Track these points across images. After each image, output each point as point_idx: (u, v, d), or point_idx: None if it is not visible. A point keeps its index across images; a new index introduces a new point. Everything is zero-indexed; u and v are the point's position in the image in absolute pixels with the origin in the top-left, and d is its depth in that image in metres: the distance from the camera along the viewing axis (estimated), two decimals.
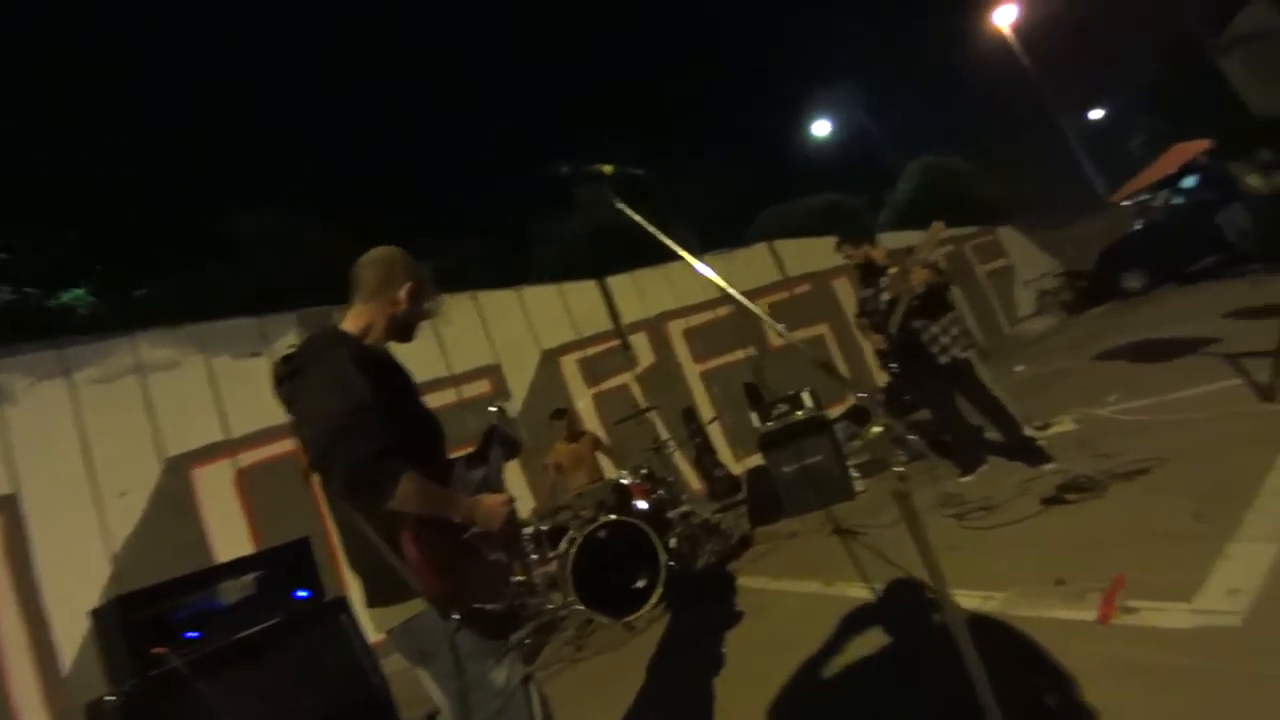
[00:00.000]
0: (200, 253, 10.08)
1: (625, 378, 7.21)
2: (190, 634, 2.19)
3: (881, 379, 7.43)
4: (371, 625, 1.58)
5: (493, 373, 6.50)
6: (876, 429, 1.01)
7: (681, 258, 1.10)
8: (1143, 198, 10.78)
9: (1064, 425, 4.04)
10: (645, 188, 1.13)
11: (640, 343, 7.46)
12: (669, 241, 1.03)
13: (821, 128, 18.91)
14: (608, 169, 1.14)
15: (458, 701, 1.42)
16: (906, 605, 2.59)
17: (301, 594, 2.49)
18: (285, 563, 2.55)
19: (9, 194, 9.87)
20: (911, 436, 3.60)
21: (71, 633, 4.28)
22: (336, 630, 2.47)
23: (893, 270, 3.81)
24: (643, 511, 4.10)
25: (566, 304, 7.25)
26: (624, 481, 4.35)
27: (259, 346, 5.50)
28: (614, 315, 7.44)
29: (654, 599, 3.72)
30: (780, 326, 1.08)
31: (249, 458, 5.17)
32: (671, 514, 4.35)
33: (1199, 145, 10.35)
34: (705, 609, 3.60)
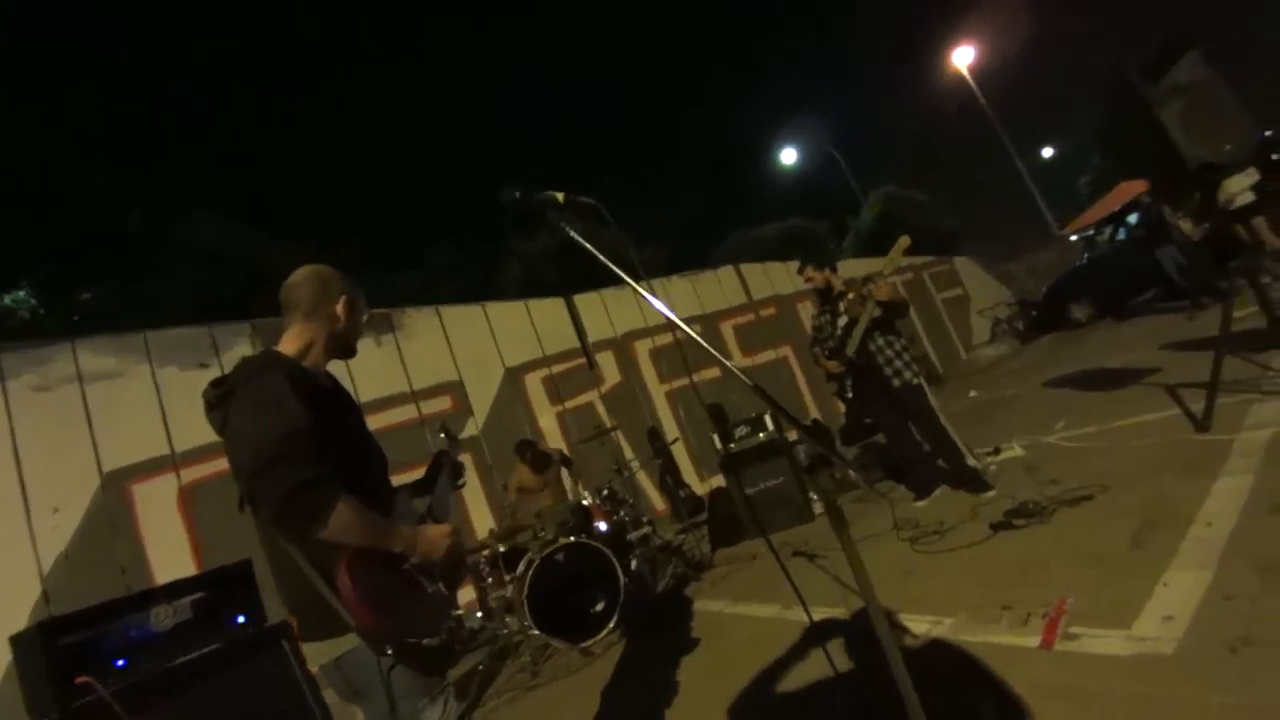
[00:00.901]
0: (145, 258, 9.74)
1: (590, 396, 7.18)
2: (119, 662, 2.07)
3: (839, 407, 7.57)
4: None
5: (455, 389, 6.40)
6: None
7: (634, 284, 1.10)
8: (1089, 232, 11.33)
9: (1013, 450, 4.18)
10: (601, 215, 1.14)
11: (606, 361, 7.46)
12: (620, 272, 1.03)
13: (788, 156, 19.45)
14: (559, 196, 1.14)
15: None
16: (860, 630, 2.61)
17: (239, 620, 2.38)
18: (225, 586, 2.43)
19: None
20: (853, 474, 3.70)
21: None
22: (277, 658, 2.36)
23: (850, 295, 3.92)
24: (603, 533, 4.06)
25: (532, 321, 7.21)
26: (585, 503, 4.31)
27: (208, 357, 5.31)
28: (580, 333, 7.42)
29: (612, 623, 3.67)
30: (730, 363, 1.09)
31: (193, 474, 4.96)
32: (632, 536, 4.32)
33: (1141, 185, 10.96)
34: (664, 633, 3.57)
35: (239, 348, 5.38)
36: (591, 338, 7.45)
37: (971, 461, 3.78)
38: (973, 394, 7.51)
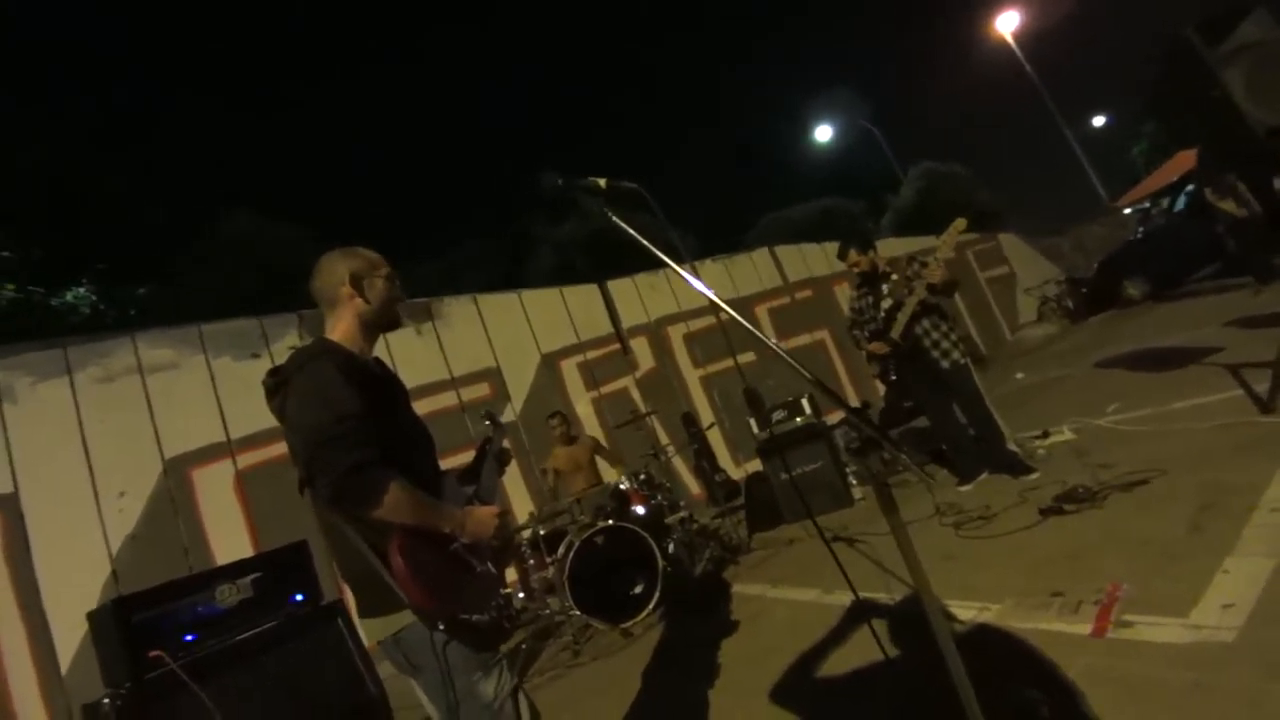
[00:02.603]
0: (184, 255, 10.11)
1: (625, 382, 7.22)
2: (187, 637, 2.19)
3: (878, 389, 7.43)
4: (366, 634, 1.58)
5: (493, 376, 6.50)
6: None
7: (678, 268, 1.10)
8: (1144, 205, 10.80)
9: (1062, 434, 4.04)
10: (642, 201, 1.14)
11: (640, 347, 7.47)
12: (662, 255, 1.03)
13: (824, 133, 18.98)
14: (601, 183, 1.14)
15: (447, 714, 1.42)
16: (904, 615, 2.59)
17: (298, 598, 2.49)
18: (283, 566, 2.55)
19: (10, 194, 9.92)
20: (905, 455, 3.67)
21: (70, 633, 4.29)
22: (333, 634, 2.48)
23: (894, 277, 3.83)
24: (641, 517, 4.10)
25: (567, 307, 7.26)
26: (622, 487, 4.35)
27: (259, 348, 5.51)
28: (614, 319, 7.45)
29: (651, 605, 3.72)
30: (773, 341, 1.08)
31: (249, 459, 5.18)
32: (670, 519, 4.35)
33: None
34: (702, 616, 3.60)
35: (288, 338, 5.57)
36: (626, 323, 7.47)
37: (1012, 446, 3.69)
38: (1019, 376, 7.28)
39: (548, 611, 4.14)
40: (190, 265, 10.15)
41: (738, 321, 1.02)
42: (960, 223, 3.62)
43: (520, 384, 6.64)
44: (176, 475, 4.96)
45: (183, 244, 10.44)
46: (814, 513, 4.52)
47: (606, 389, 7.07)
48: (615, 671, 3.25)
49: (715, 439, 7.20)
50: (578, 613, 3.70)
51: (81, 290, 10.19)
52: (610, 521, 3.84)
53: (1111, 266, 10.21)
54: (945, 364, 3.74)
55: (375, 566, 1.32)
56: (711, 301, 1.00)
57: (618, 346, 7.35)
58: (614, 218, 1.09)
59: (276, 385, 1.44)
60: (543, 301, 7.17)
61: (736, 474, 7.11)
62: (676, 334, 7.71)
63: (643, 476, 4.48)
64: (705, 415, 7.36)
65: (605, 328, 7.39)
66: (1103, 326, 9.09)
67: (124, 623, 2.12)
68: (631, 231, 1.04)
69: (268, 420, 5.14)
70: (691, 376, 7.60)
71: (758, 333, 1.04)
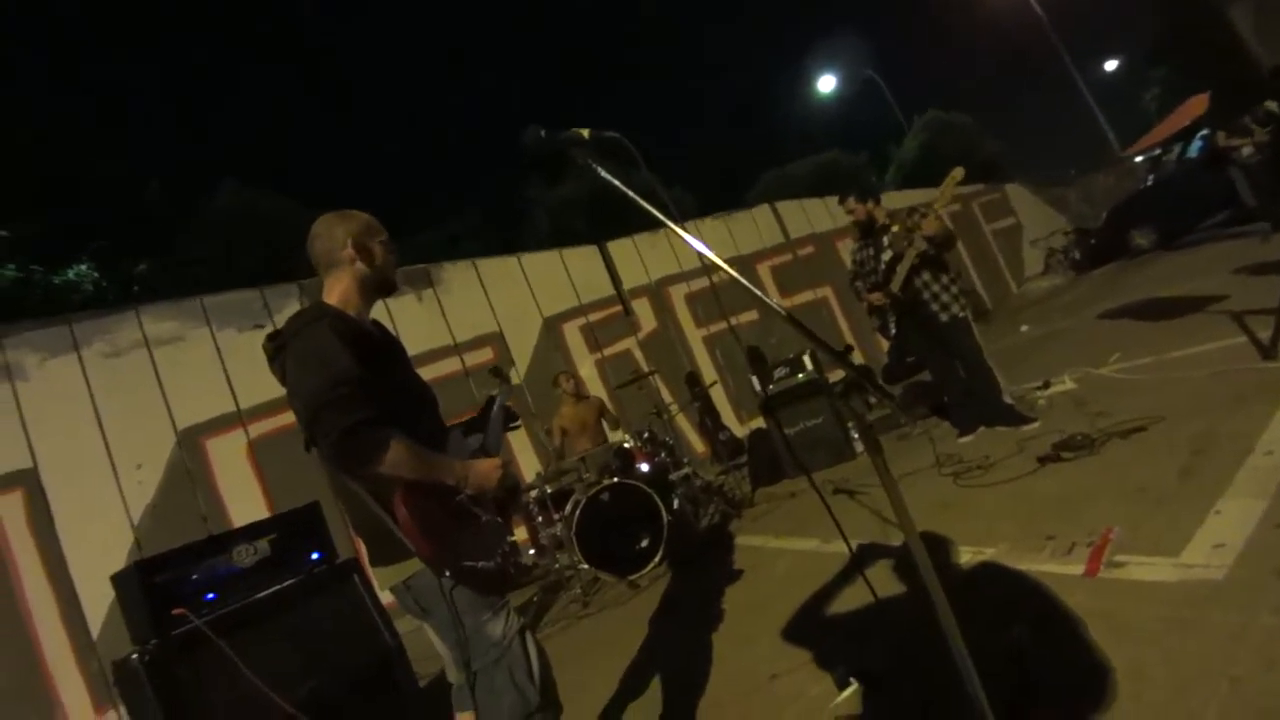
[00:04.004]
0: (191, 229, 10.05)
1: (627, 343, 7.24)
2: (208, 596, 2.28)
3: (882, 345, 7.43)
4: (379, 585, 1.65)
5: (495, 340, 6.53)
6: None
7: (670, 223, 1.10)
8: (1155, 152, 10.55)
9: (1063, 384, 4.06)
10: (628, 153, 1.13)
11: (642, 308, 7.46)
12: (650, 208, 1.03)
13: (826, 84, 18.42)
14: (584, 133, 1.13)
15: (457, 651, 1.49)
16: (901, 561, 2.66)
17: (314, 556, 2.58)
18: (298, 526, 2.63)
19: (4, 174, 9.83)
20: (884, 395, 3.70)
21: (98, 600, 4.45)
22: (350, 590, 2.57)
23: (895, 229, 3.80)
24: (645, 474, 4.17)
25: (567, 270, 7.23)
26: (627, 445, 4.41)
27: (262, 318, 5.54)
28: (615, 280, 7.42)
29: (657, 558, 3.82)
30: (772, 300, 1.09)
31: (260, 428, 5.27)
32: (673, 476, 4.42)
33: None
34: (707, 567, 3.70)
35: (289, 307, 5.58)
36: (626, 284, 7.45)
37: (1008, 398, 3.71)
38: (1024, 329, 7.26)
39: (557, 566, 4.26)
40: (187, 239, 10.10)
41: (735, 279, 1.03)
42: (957, 173, 3.56)
43: (523, 348, 6.67)
44: (190, 446, 5.06)
45: (179, 219, 10.37)
46: (818, 467, 4.59)
47: (609, 351, 7.10)
48: (623, 621, 3.37)
49: (719, 397, 7.26)
50: (586, 566, 3.81)
51: (83, 267, 10.17)
52: (615, 479, 3.91)
53: (1120, 216, 10.04)
54: (944, 317, 3.73)
55: (382, 518, 1.37)
56: (703, 257, 1.01)
57: (619, 308, 7.34)
58: (600, 170, 1.08)
59: (276, 349, 1.47)
60: (542, 264, 7.14)
61: (740, 431, 7.19)
62: (678, 294, 7.69)
63: (646, 435, 4.54)
64: (708, 374, 7.39)
65: (606, 289, 7.37)
66: (1110, 277, 9.00)
67: (147, 583, 2.19)
68: (618, 184, 1.04)
69: (276, 390, 5.24)
70: (694, 336, 7.61)
71: (750, 286, 1.05)
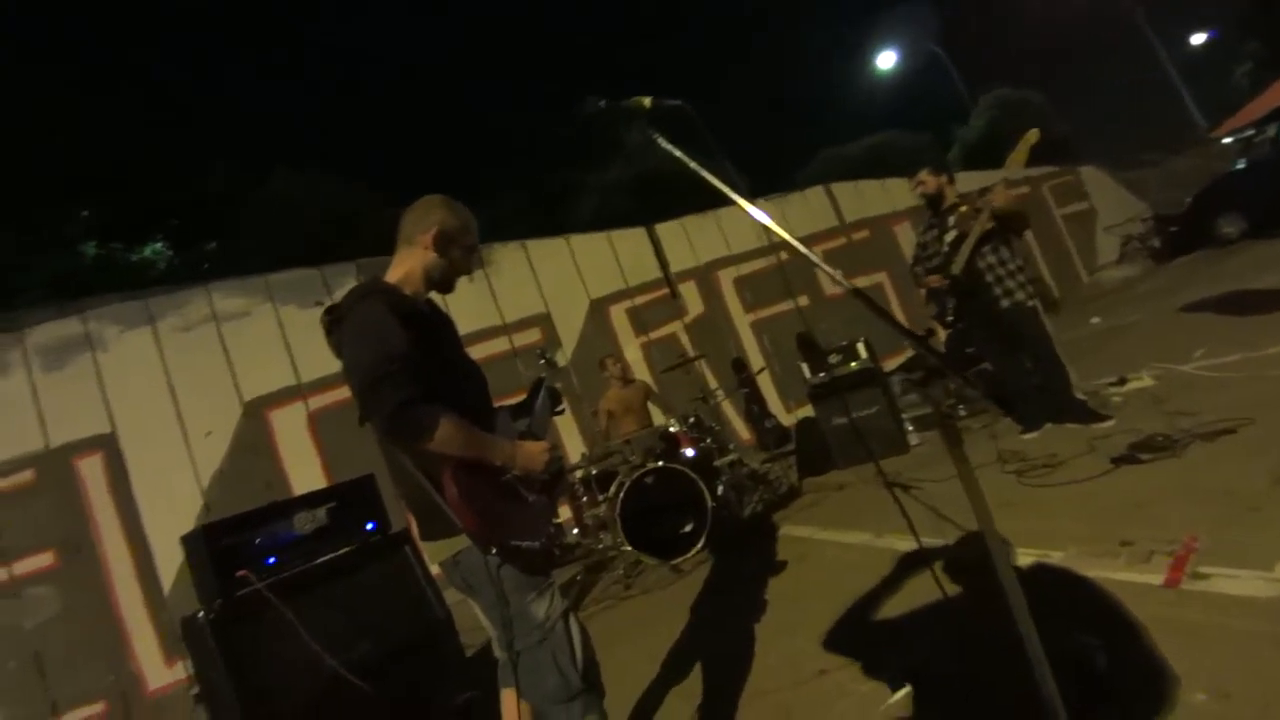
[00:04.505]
0: (252, 209, 10.43)
1: (674, 327, 7.18)
2: (270, 559, 2.37)
3: (940, 336, 7.14)
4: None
5: (543, 321, 6.58)
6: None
7: (732, 201, 1.04)
8: (1247, 133, 9.72)
9: (1141, 381, 3.81)
10: (689, 123, 1.07)
11: (689, 291, 7.38)
12: (716, 182, 0.98)
13: (886, 60, 17.61)
14: (645, 102, 1.07)
15: (501, 630, 1.51)
16: (960, 560, 2.55)
17: (369, 526, 2.66)
18: (354, 497, 2.71)
19: (82, 154, 10.42)
20: (970, 389, 3.50)
21: (170, 558, 4.74)
22: (401, 561, 2.64)
23: (963, 209, 3.60)
24: (690, 459, 4.14)
25: (615, 252, 7.20)
26: (671, 429, 4.38)
27: (322, 296, 5.72)
28: (662, 263, 7.35)
29: (700, 544, 3.79)
30: (838, 274, 1.02)
31: (319, 401, 5.48)
32: (718, 462, 4.38)
33: None
34: (750, 555, 3.66)
35: (347, 285, 5.73)
36: (674, 267, 7.37)
37: (1080, 394, 3.50)
38: (1095, 320, 6.86)
39: (600, 546, 4.29)
40: (250, 220, 10.52)
41: (794, 262, 0.97)
42: (1031, 135, 3.31)
43: (570, 329, 6.69)
44: (255, 416, 5.30)
45: (241, 199, 10.80)
46: (867, 458, 4.46)
47: (655, 334, 7.06)
48: (664, 605, 3.37)
49: (765, 384, 7.14)
50: (629, 548, 3.82)
51: (157, 246, 10.73)
52: (660, 463, 3.89)
53: (1205, 202, 9.31)
54: (1006, 303, 3.52)
55: (431, 493, 1.38)
56: (776, 236, 0.95)
57: (666, 291, 7.28)
58: (663, 141, 1.03)
59: (333, 324, 1.49)
60: (591, 247, 7.13)
61: (786, 420, 7.06)
62: (726, 278, 7.56)
63: (692, 420, 4.50)
64: (755, 360, 7.27)
65: (653, 272, 7.31)
66: (1192, 268, 8.39)
67: (213, 546, 2.30)
68: (680, 154, 0.99)
69: (334, 365, 5.40)
70: (741, 321, 7.48)
71: (816, 260, 0.99)
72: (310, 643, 2.19)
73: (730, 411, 6.91)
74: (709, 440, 4.44)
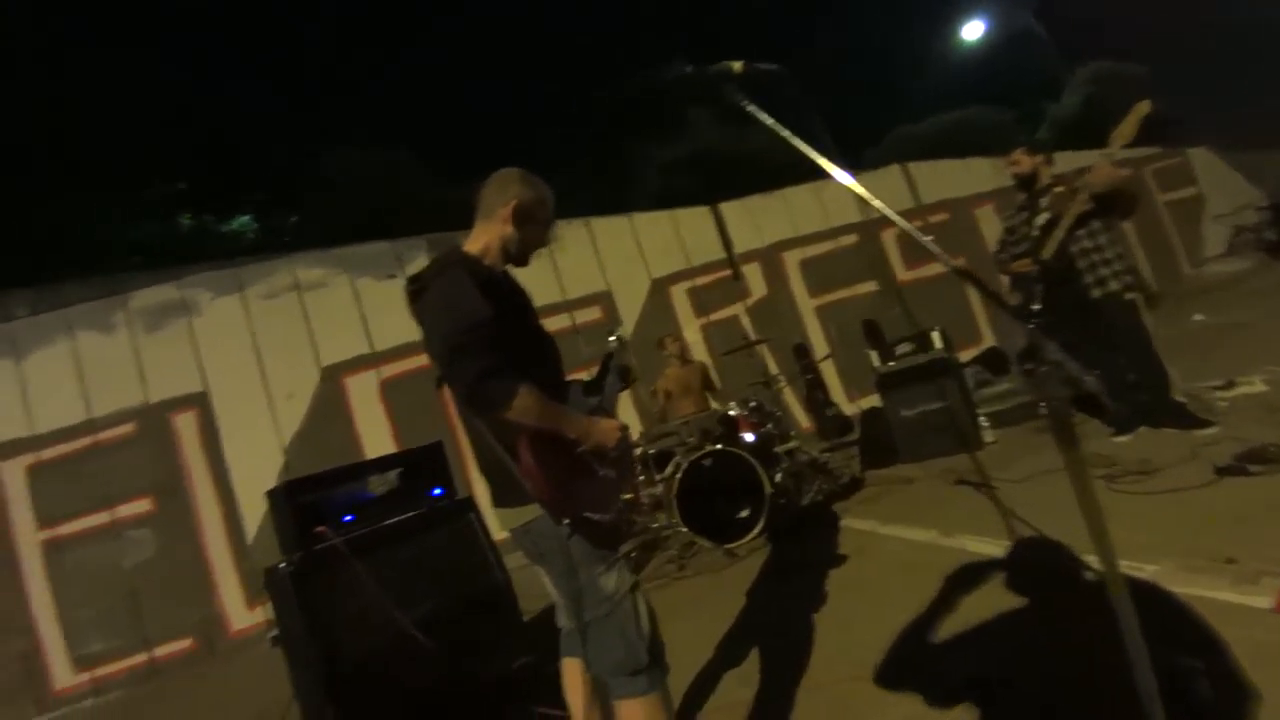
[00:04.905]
0: (324, 182, 10.88)
1: (735, 309, 7.06)
2: (346, 517, 2.49)
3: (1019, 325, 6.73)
4: (497, 525, 1.72)
5: (604, 299, 6.60)
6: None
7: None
8: None
9: (1252, 385, 3.48)
10: (787, 89, 1.01)
11: (753, 273, 7.22)
12: (813, 153, 0.92)
13: (973, 30, 16.41)
14: (736, 66, 1.01)
15: (570, 601, 1.54)
16: (1039, 567, 2.41)
17: (437, 491, 2.75)
18: (423, 462, 2.81)
19: (177, 132, 11.13)
20: (1088, 377, 3.25)
21: (254, 510, 5.08)
22: (466, 527, 2.73)
23: (1058, 190, 3.35)
24: (749, 444, 4.08)
25: (678, 231, 7.11)
26: (731, 413, 4.32)
27: (394, 269, 5.92)
28: (726, 243, 7.22)
29: (756, 529, 3.74)
30: (939, 251, 0.95)
31: (390, 370, 5.71)
32: (778, 449, 4.29)
33: None
34: (808, 545, 3.59)
35: (418, 260, 5.92)
36: (738, 248, 7.22)
37: (1179, 396, 3.22)
38: (1198, 317, 6.31)
39: (655, 525, 4.31)
40: (324, 193, 10.98)
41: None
42: (1142, 106, 3.01)
43: (631, 308, 6.69)
44: (331, 382, 5.57)
45: (316, 173, 11.28)
46: (935, 453, 4.28)
47: (716, 316, 6.96)
48: (718, 587, 3.35)
49: (828, 372, 6.94)
50: (683, 530, 3.81)
51: (245, 218, 11.40)
52: (719, 446, 3.85)
53: None
54: (1098, 293, 3.25)
55: (506, 461, 1.40)
56: (874, 208, 0.89)
57: (729, 272, 7.15)
58: (755, 109, 0.97)
59: (415, 293, 1.52)
60: (654, 225, 7.06)
61: (849, 409, 6.86)
62: (792, 260, 7.35)
63: (753, 404, 4.42)
64: (819, 346, 7.08)
65: (716, 252, 7.19)
66: None
67: (295, 502, 2.44)
68: (772, 122, 0.94)
69: (405, 335, 5.61)
70: (806, 305, 7.27)
71: (926, 241, 0.92)
72: (381, 599, 2.29)
73: (790, 399, 6.77)
74: (769, 426, 4.36)
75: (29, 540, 4.71)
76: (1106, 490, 2.81)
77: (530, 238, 1.67)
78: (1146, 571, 2.06)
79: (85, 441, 4.94)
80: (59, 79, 10.00)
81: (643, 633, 1.49)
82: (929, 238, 0.97)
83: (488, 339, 1.35)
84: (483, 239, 1.63)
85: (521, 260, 1.71)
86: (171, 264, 5.83)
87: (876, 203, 0.91)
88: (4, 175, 8.30)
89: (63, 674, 4.58)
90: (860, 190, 0.90)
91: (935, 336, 4.45)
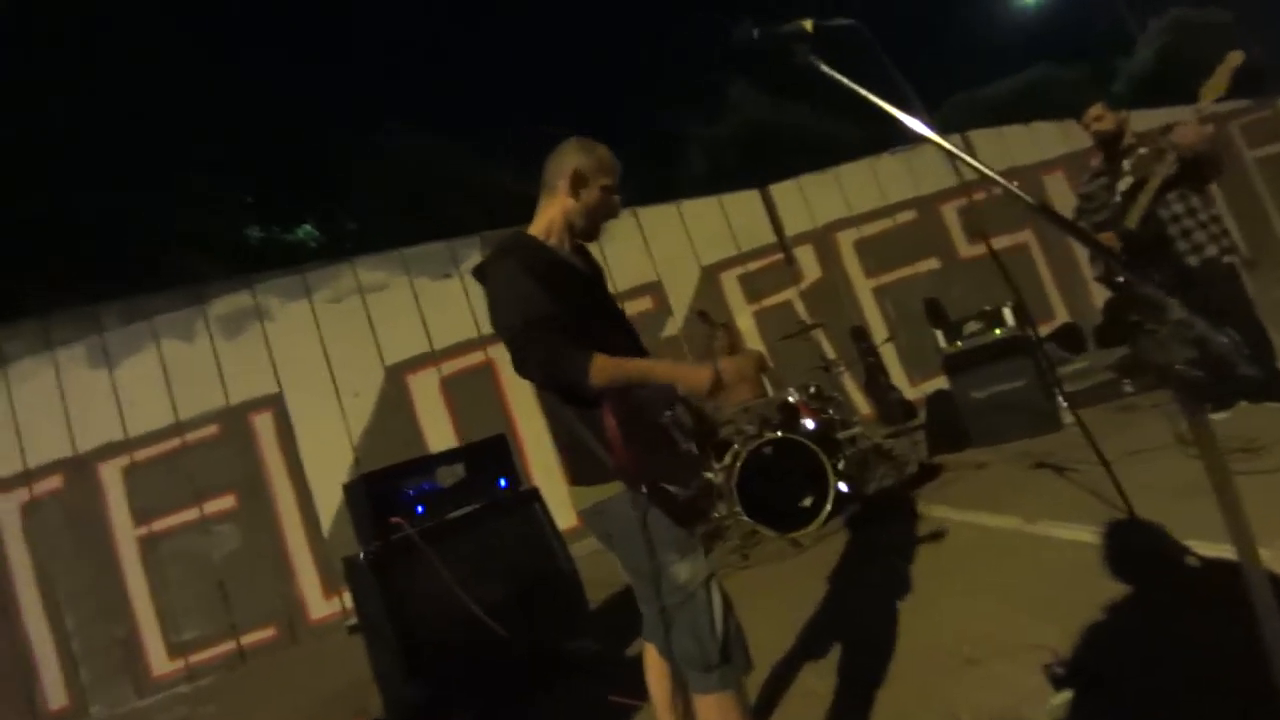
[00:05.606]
0: (375, 179, 11.20)
1: (789, 294, 6.89)
2: (418, 509, 2.57)
3: (1097, 298, 6.33)
4: (562, 515, 1.72)
5: (654, 290, 6.56)
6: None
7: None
8: None
9: None
10: (865, 46, 0.95)
11: (805, 256, 7.03)
12: (901, 114, 0.86)
13: None
14: (807, 25, 0.94)
15: (643, 585, 1.49)
16: (1137, 552, 2.26)
17: (503, 483, 2.81)
18: (488, 455, 2.87)
19: (239, 147, 11.71)
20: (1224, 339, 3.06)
21: (329, 503, 5.31)
22: (531, 516, 2.77)
23: (1142, 151, 3.11)
24: (810, 431, 3.98)
25: (726, 216, 7.00)
26: (791, 399, 4.23)
27: (450, 268, 6.06)
28: (777, 227, 7.05)
29: (821, 518, 3.66)
30: (1029, 199, 0.88)
31: (450, 367, 5.86)
32: (840, 435, 4.17)
33: None
34: (877, 533, 3.48)
35: (472, 259, 6.03)
36: (789, 231, 7.04)
37: None
38: None
39: (716, 515, 4.27)
40: (379, 193, 11.32)
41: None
42: (1234, 57, 2.75)
43: (681, 298, 6.63)
44: (395, 380, 5.76)
45: (370, 170, 11.63)
46: (1010, 437, 4.07)
47: (769, 301, 6.82)
48: (785, 576, 3.29)
49: (888, 355, 6.71)
50: (745, 519, 3.76)
51: (308, 227, 11.95)
52: (780, 434, 3.78)
53: None
54: (1194, 260, 3.02)
55: (584, 435, 1.39)
56: (983, 174, 0.83)
57: (780, 256, 6.99)
58: (829, 69, 0.92)
59: (481, 282, 1.53)
60: (702, 211, 6.97)
61: (911, 393, 6.62)
62: (846, 240, 7.11)
63: (812, 390, 4.32)
64: (877, 329, 6.84)
65: (767, 236, 7.02)
66: None
67: (371, 494, 2.53)
68: (851, 83, 0.88)
69: (462, 333, 5.72)
70: (862, 287, 7.03)
71: (1020, 193, 0.85)
72: (454, 587, 2.35)
73: (849, 383, 6.58)
74: (830, 412, 4.25)
75: (126, 536, 5.06)
76: (1205, 469, 2.61)
77: (596, 207, 1.59)
78: (1261, 556, 1.89)
79: (174, 443, 5.27)
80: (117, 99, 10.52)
81: (715, 630, 1.40)
82: (1015, 194, 0.90)
83: (545, 326, 1.34)
84: (545, 216, 1.59)
85: (591, 234, 1.65)
86: (245, 271, 6.14)
87: (971, 161, 0.84)
88: (87, 194, 8.94)
89: (159, 661, 4.92)
90: (948, 146, 0.84)
91: (1007, 313, 4.22)
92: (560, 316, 1.38)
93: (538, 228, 1.58)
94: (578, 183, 1.55)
